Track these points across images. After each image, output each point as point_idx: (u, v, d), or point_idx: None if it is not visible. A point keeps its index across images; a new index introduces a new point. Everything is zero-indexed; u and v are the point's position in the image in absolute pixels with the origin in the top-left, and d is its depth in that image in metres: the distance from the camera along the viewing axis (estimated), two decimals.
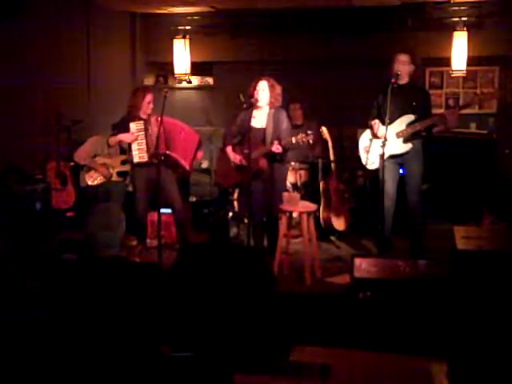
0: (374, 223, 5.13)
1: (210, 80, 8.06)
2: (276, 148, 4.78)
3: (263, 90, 4.86)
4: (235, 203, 6.04)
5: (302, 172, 6.14)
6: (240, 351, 3.35)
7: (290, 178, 5.96)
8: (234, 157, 5.03)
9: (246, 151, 4.76)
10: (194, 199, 6.62)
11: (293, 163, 5.96)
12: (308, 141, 4.74)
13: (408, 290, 3.85)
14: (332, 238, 5.85)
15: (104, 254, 4.31)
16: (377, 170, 5.05)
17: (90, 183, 5.67)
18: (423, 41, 6.72)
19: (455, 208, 5.93)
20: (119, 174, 5.75)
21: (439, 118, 4.94)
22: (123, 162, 5.71)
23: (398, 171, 5.06)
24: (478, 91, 7.03)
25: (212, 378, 2.75)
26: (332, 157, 5.91)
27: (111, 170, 5.74)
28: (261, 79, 4.89)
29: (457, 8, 6.62)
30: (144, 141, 5.12)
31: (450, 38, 6.50)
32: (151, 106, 5.17)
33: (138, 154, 5.15)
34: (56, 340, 2.37)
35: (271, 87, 4.88)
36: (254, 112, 4.93)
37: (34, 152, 5.80)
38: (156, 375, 2.44)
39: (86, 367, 2.33)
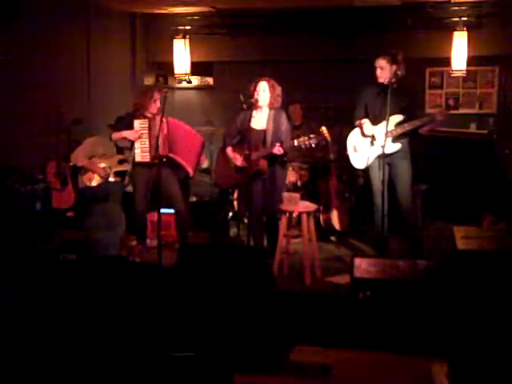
0: (371, 223, 5.15)
1: (210, 80, 8.06)
2: (278, 150, 4.78)
3: (263, 91, 4.86)
4: (235, 203, 6.04)
5: (302, 172, 6.14)
6: (240, 351, 3.35)
7: (291, 178, 5.96)
8: (236, 157, 5.03)
9: (246, 152, 4.76)
10: (194, 199, 6.62)
11: (293, 163, 5.96)
12: (310, 144, 4.74)
13: (408, 289, 3.85)
14: (332, 238, 5.85)
15: (104, 254, 4.31)
16: (362, 169, 5.10)
17: (88, 184, 5.66)
18: (423, 41, 6.72)
19: (455, 208, 5.93)
20: (117, 173, 5.74)
21: (429, 119, 4.95)
22: (120, 162, 5.71)
23: (387, 171, 5.06)
24: (478, 91, 7.04)
25: (212, 377, 2.75)
26: (332, 157, 5.91)
27: (108, 171, 5.73)
28: (261, 80, 4.89)
29: (457, 8, 6.62)
30: (147, 140, 5.12)
31: (450, 38, 6.50)
32: (157, 105, 5.17)
33: (141, 154, 5.15)
34: (56, 340, 2.37)
35: (271, 88, 4.87)
36: (254, 113, 4.92)
37: (33, 152, 5.80)
38: (156, 375, 2.44)
39: (86, 367, 2.33)
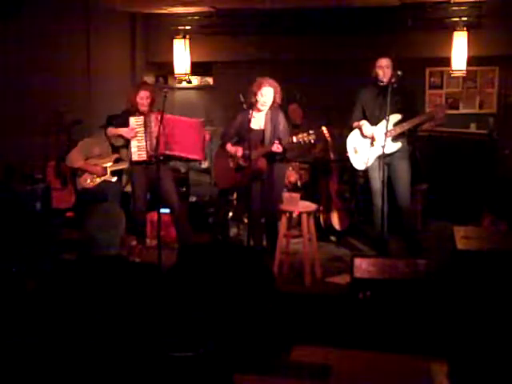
0: (370, 223, 5.15)
1: (209, 80, 8.07)
2: (277, 147, 4.78)
3: (269, 98, 4.83)
4: (235, 203, 6.04)
5: (302, 172, 6.14)
6: (240, 351, 3.35)
7: (290, 178, 5.96)
8: (237, 149, 4.99)
9: (246, 152, 4.76)
10: (194, 199, 6.62)
11: (293, 163, 5.96)
12: (310, 140, 4.74)
13: (408, 290, 3.85)
14: (332, 238, 5.85)
15: (104, 254, 4.31)
16: (363, 170, 5.10)
17: (84, 186, 5.62)
18: (423, 41, 6.72)
19: (455, 208, 5.93)
20: (113, 173, 5.72)
21: (427, 116, 4.95)
22: (116, 161, 5.69)
23: (386, 171, 5.06)
24: (478, 91, 7.04)
25: (212, 377, 2.75)
26: (332, 157, 5.91)
27: (105, 170, 5.71)
28: (264, 84, 4.83)
29: (457, 8, 6.61)
30: (143, 138, 5.07)
31: (450, 38, 6.50)
32: (146, 102, 5.09)
33: (137, 152, 5.10)
34: (55, 340, 2.37)
35: (275, 92, 4.86)
36: (253, 113, 4.91)
37: (33, 152, 5.80)
38: (156, 375, 2.44)
39: (86, 367, 2.33)
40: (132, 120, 5.07)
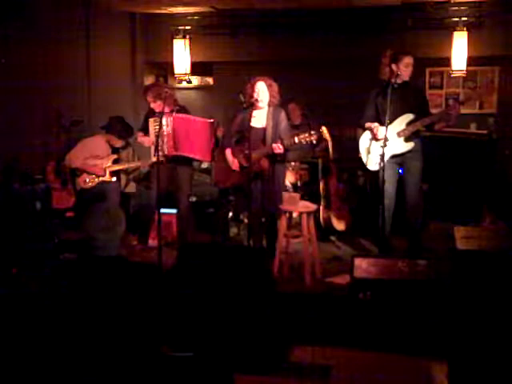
0: (374, 223, 5.13)
1: (209, 80, 8.07)
2: (278, 148, 4.78)
3: (262, 92, 4.86)
4: (235, 203, 6.04)
5: (302, 172, 6.14)
6: (240, 351, 3.35)
7: (290, 178, 5.96)
8: (233, 162, 5.03)
9: (246, 152, 4.76)
10: (194, 199, 6.62)
11: (293, 163, 5.96)
12: (311, 140, 4.74)
13: (408, 290, 3.85)
14: (332, 238, 5.85)
15: (104, 254, 4.31)
16: (376, 170, 5.05)
17: (83, 186, 5.62)
18: (423, 41, 6.72)
19: (455, 208, 5.93)
20: (112, 173, 5.72)
21: (440, 116, 4.94)
22: (115, 161, 5.70)
23: (398, 171, 5.06)
24: (478, 91, 7.04)
25: (212, 378, 2.75)
26: (332, 157, 5.91)
27: (104, 170, 5.71)
28: (258, 80, 4.89)
29: (457, 8, 6.62)
30: (160, 140, 5.13)
31: (450, 38, 6.51)
32: (155, 105, 5.19)
33: (155, 153, 5.19)
34: (55, 340, 2.37)
35: (269, 87, 4.88)
36: (254, 112, 4.92)
37: (33, 152, 5.80)
38: (156, 375, 2.44)
39: (86, 367, 2.33)
40: (151, 121, 5.24)
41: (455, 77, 6.90)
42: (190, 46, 7.26)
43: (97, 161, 5.61)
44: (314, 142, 4.80)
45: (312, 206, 4.91)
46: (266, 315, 3.65)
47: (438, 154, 6.10)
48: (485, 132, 6.60)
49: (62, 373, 2.35)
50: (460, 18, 6.56)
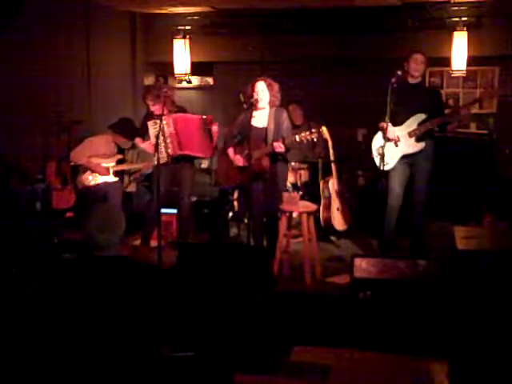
0: (376, 224, 5.13)
1: (209, 80, 8.06)
2: (279, 147, 4.79)
3: (262, 91, 4.86)
4: (235, 203, 6.04)
5: (302, 172, 6.14)
6: (240, 351, 3.35)
7: (290, 178, 5.96)
8: (237, 159, 5.03)
9: (247, 151, 4.76)
10: (194, 199, 6.62)
11: (293, 163, 5.96)
12: (312, 139, 4.75)
13: (408, 290, 3.85)
14: (332, 238, 5.85)
15: (104, 254, 4.32)
16: (382, 171, 5.05)
17: (86, 184, 5.63)
18: (423, 41, 6.71)
19: (455, 208, 5.93)
20: (116, 173, 5.73)
21: (450, 116, 4.93)
22: (120, 162, 5.70)
23: (408, 172, 5.04)
24: (478, 91, 7.03)
25: (212, 377, 2.75)
26: (332, 157, 5.91)
27: (108, 170, 5.72)
28: (258, 80, 4.89)
29: (457, 8, 6.61)
30: (162, 142, 5.15)
31: (450, 38, 6.50)
32: (155, 107, 5.21)
33: (158, 156, 5.19)
34: (55, 340, 2.37)
35: (269, 86, 4.88)
36: (254, 112, 4.93)
37: (33, 152, 5.80)
38: (156, 375, 2.44)
39: (87, 367, 2.33)
40: (150, 124, 5.21)
41: (455, 77, 6.90)
42: (190, 46, 7.26)
43: (102, 160, 5.62)
44: (315, 140, 4.80)
45: (312, 206, 4.91)
46: (266, 315, 3.65)
47: (438, 154, 6.09)
48: (485, 132, 6.60)
49: (62, 372, 2.35)
50: (460, 17, 6.56)
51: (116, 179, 5.71)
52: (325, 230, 5.79)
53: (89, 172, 5.62)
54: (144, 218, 5.41)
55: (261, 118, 4.95)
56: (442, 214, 5.96)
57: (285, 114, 4.98)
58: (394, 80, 4.73)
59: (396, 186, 4.88)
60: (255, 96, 4.84)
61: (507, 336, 3.13)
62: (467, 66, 6.55)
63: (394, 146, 4.98)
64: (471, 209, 5.80)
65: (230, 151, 5.09)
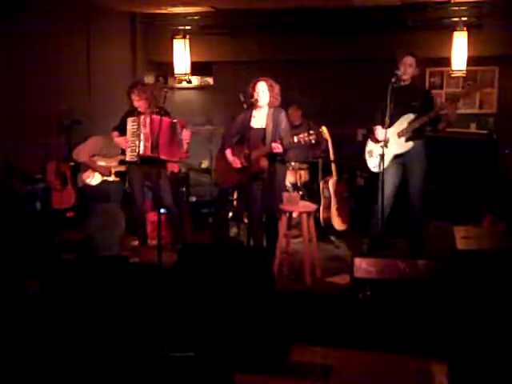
0: (367, 223, 5.14)
1: (209, 80, 8.07)
2: (277, 147, 4.79)
3: (263, 92, 4.86)
4: (235, 203, 6.04)
5: (302, 172, 6.14)
6: (240, 351, 3.35)
7: (290, 178, 5.96)
8: (234, 161, 5.03)
9: (246, 152, 4.76)
10: (194, 199, 6.62)
11: (293, 163, 5.96)
12: (310, 140, 4.74)
13: (408, 290, 3.85)
14: (332, 238, 5.85)
15: (103, 254, 4.31)
16: (377, 172, 5.05)
17: (87, 182, 5.66)
18: (423, 41, 6.72)
19: (455, 208, 5.93)
20: (117, 173, 5.73)
21: (436, 113, 4.93)
22: (121, 162, 5.71)
23: (400, 172, 5.04)
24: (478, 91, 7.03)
25: (212, 377, 2.75)
26: (332, 157, 5.91)
27: (109, 170, 5.72)
28: (259, 80, 4.89)
29: (457, 8, 6.61)
30: (136, 139, 5.12)
31: (450, 38, 6.50)
32: (141, 103, 5.15)
33: (130, 153, 5.22)
34: (55, 340, 2.37)
35: (270, 87, 4.88)
36: (254, 112, 4.93)
37: (34, 152, 5.80)
38: (156, 375, 2.44)
39: (86, 367, 2.33)
40: (129, 121, 5.19)
41: (455, 77, 6.90)
42: (189, 46, 7.26)
43: (104, 160, 5.63)
44: (313, 141, 4.80)
45: (312, 206, 4.91)
46: (266, 315, 3.65)
47: (438, 154, 6.09)
48: (485, 132, 6.59)
49: (62, 373, 2.35)
50: (460, 17, 6.56)
51: (117, 179, 5.72)
52: (325, 230, 5.79)
53: (90, 171, 5.63)
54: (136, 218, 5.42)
55: (259, 119, 4.95)
56: (441, 214, 5.96)
57: (283, 114, 4.98)
58: (394, 80, 4.73)
59: (387, 186, 4.87)
60: (255, 96, 4.84)
61: (507, 336, 3.13)
62: (467, 65, 6.55)
63: (384, 147, 4.99)
64: (471, 209, 5.79)
65: (228, 152, 5.08)
